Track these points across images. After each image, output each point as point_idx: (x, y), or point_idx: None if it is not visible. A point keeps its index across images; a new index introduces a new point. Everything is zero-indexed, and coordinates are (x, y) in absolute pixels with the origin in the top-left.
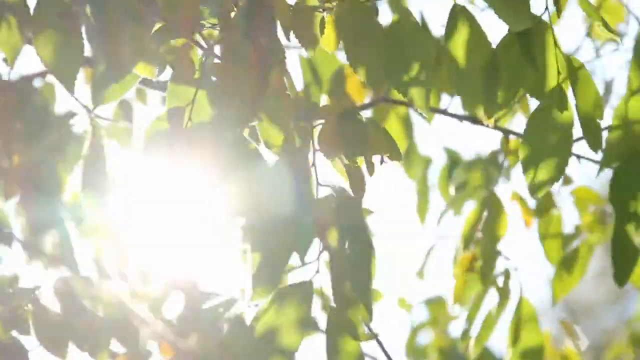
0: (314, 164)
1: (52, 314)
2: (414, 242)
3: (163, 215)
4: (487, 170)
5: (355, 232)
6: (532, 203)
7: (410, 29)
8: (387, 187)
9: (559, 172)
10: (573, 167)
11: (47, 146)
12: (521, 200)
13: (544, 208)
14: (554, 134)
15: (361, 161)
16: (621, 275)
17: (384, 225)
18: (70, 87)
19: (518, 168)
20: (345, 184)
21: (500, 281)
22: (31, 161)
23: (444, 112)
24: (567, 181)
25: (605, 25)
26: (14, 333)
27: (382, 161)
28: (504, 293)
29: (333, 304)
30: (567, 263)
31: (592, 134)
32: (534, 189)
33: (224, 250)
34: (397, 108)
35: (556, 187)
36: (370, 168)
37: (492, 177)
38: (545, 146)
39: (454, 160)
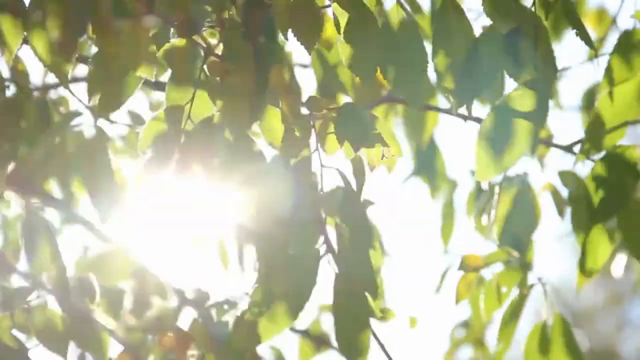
0: (317, 149)
1: (53, 314)
2: (433, 261)
3: (169, 219)
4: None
5: (354, 220)
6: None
7: (403, 25)
8: (409, 205)
9: (514, 157)
10: None
11: (48, 147)
12: (554, 189)
13: (577, 195)
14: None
15: (370, 152)
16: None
17: (402, 243)
18: (64, 81)
19: (549, 157)
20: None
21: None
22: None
23: (439, 110)
24: None
25: (581, 34)
26: (15, 332)
27: (382, 155)
28: (521, 298)
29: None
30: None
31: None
32: (480, 174)
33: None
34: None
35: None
36: (372, 161)
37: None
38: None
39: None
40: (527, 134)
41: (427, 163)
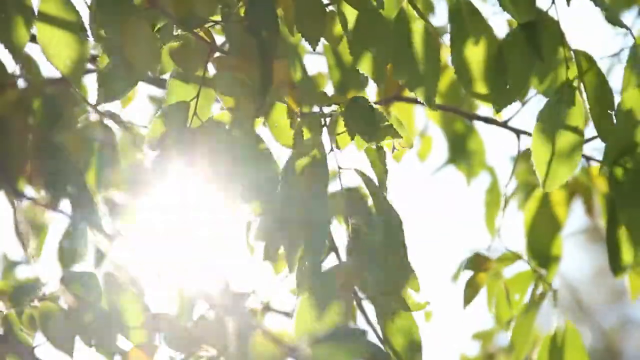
0: (332, 149)
1: (59, 310)
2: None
3: (176, 214)
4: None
5: (382, 214)
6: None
7: (413, 22)
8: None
9: (571, 169)
10: None
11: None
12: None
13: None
14: (564, 131)
15: (388, 145)
16: (616, 265)
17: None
18: (77, 82)
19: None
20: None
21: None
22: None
23: (455, 110)
24: None
25: (610, 16)
26: (21, 329)
27: (393, 148)
28: (535, 303)
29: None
30: None
31: (603, 128)
32: (547, 185)
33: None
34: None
35: None
36: (382, 155)
37: None
38: (556, 143)
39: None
40: (576, 140)
41: (463, 147)
